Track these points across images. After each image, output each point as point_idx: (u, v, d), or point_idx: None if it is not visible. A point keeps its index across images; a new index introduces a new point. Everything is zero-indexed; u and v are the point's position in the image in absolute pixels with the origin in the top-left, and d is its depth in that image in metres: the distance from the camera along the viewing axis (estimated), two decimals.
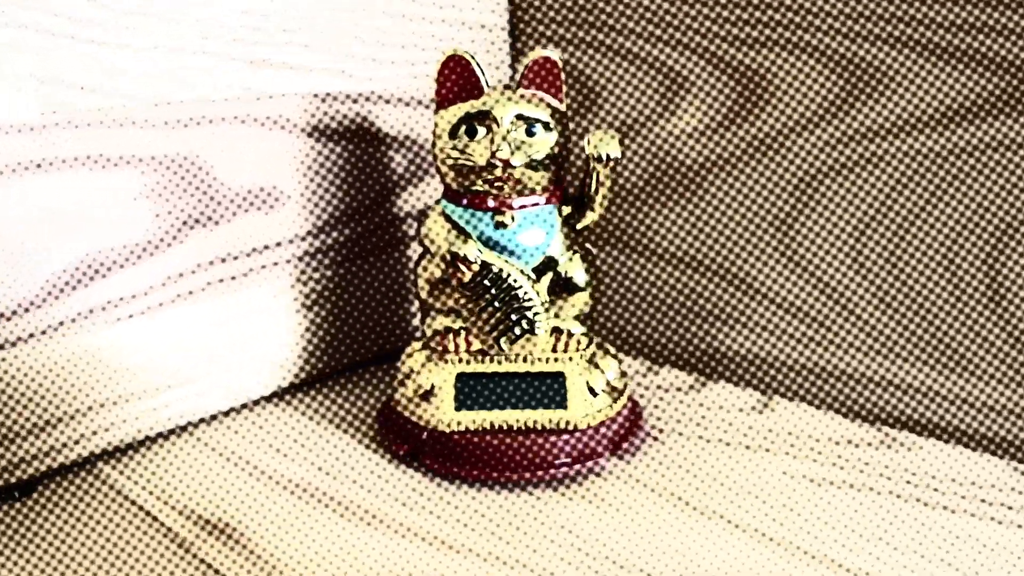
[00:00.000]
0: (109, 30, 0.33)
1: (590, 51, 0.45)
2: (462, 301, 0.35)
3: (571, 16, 0.45)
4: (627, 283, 0.46)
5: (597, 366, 0.36)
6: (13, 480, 0.34)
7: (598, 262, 0.37)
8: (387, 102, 0.43)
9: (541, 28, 0.46)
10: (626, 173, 0.45)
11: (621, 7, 0.43)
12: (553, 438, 0.34)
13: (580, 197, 0.35)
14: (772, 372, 0.42)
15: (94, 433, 0.36)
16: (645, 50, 0.43)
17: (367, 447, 0.37)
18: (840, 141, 0.38)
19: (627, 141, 0.44)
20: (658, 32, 0.42)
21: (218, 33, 0.36)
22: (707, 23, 0.41)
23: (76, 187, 0.34)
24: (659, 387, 0.43)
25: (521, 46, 0.47)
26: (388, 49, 0.42)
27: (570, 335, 0.35)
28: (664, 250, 0.44)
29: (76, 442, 0.35)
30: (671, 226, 0.44)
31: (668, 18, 0.42)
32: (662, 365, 0.45)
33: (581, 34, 0.45)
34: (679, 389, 0.42)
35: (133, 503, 0.33)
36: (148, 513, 0.32)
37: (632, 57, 0.43)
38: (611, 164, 0.33)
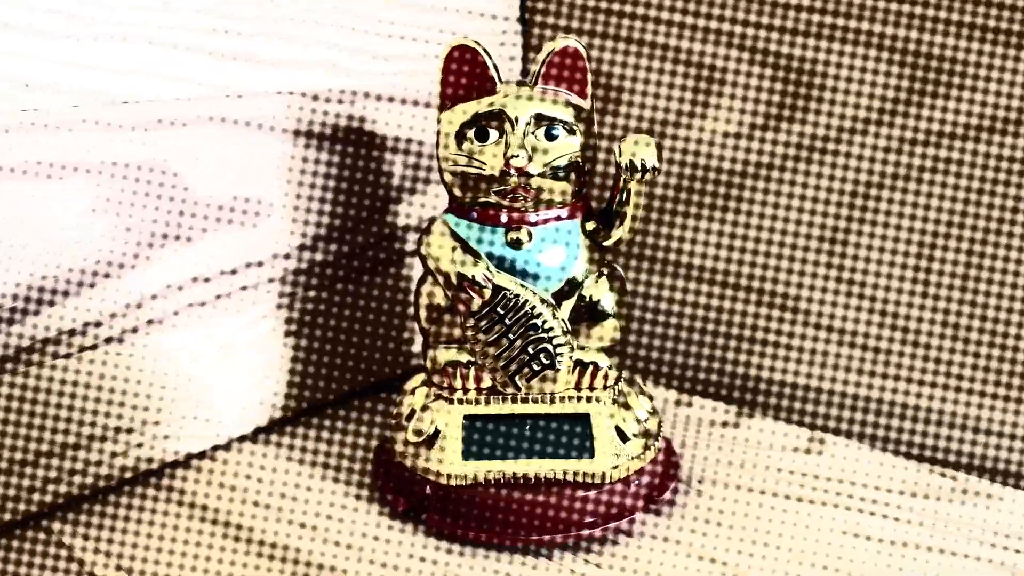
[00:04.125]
0: (56, 18, 0.30)
1: (612, 43, 0.42)
2: (470, 331, 0.31)
3: (591, 3, 0.42)
4: (655, 304, 0.43)
5: (628, 406, 0.32)
6: None
7: (627, 284, 0.33)
8: (384, 101, 0.40)
9: (557, 18, 0.43)
10: (656, 180, 0.41)
11: None
12: (578, 492, 0.30)
13: (608, 210, 0.32)
14: (822, 406, 0.39)
15: (42, 485, 0.32)
16: (675, 42, 0.40)
17: (359, 500, 0.33)
18: (903, 144, 0.35)
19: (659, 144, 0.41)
20: (690, 21, 0.39)
21: (188, 21, 0.33)
22: (746, 10, 0.38)
23: (19, 200, 0.30)
24: (693, 422, 0.39)
25: (534, 38, 0.44)
26: (384, 41, 0.39)
27: (596, 370, 0.32)
28: (698, 267, 0.41)
29: (21, 496, 0.32)
30: (707, 240, 0.41)
31: (701, 5, 0.39)
32: (696, 397, 0.42)
33: (602, 24, 0.42)
34: (716, 424, 0.39)
35: (83, 567, 0.29)
36: None
37: (660, 49, 0.40)
38: (647, 176, 0.30)
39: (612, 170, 0.32)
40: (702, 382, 0.42)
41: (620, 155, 0.29)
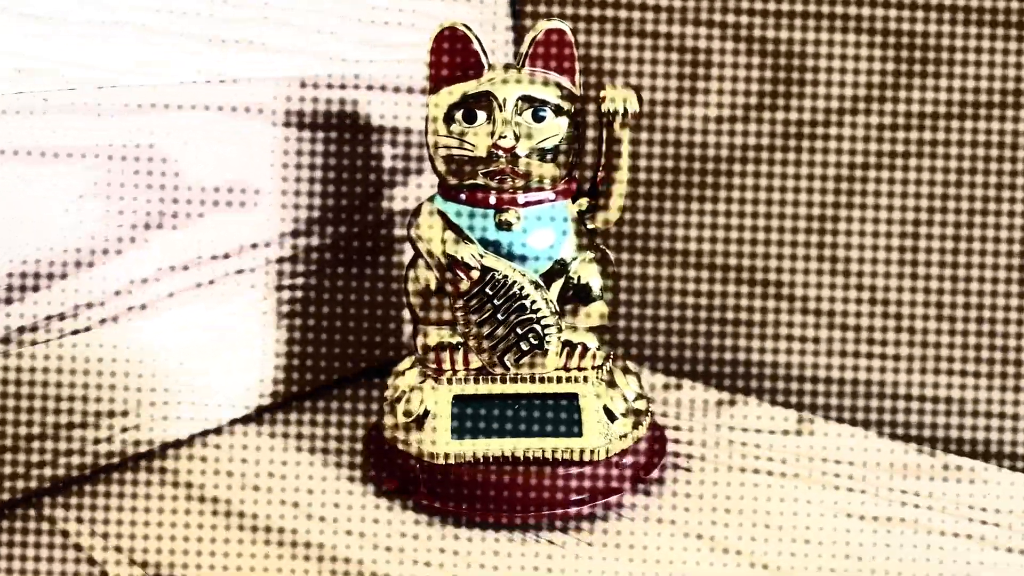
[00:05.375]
0: (49, 2, 0.30)
1: (602, 29, 0.42)
2: (460, 312, 0.31)
3: None
4: (645, 288, 0.43)
5: (616, 386, 0.33)
6: None
7: (615, 266, 0.33)
8: (375, 88, 0.40)
9: (547, 4, 0.43)
10: (644, 166, 0.42)
11: None
12: (566, 471, 0.31)
13: (595, 188, 0.32)
14: (810, 389, 0.39)
15: (36, 467, 0.32)
16: (664, 27, 0.40)
17: (351, 480, 0.33)
18: (889, 127, 0.35)
19: (645, 130, 0.41)
20: (678, 6, 0.39)
21: (180, 5, 0.33)
22: None
23: (11, 185, 0.30)
24: (682, 406, 0.39)
25: (524, 24, 0.44)
26: (376, 28, 0.39)
27: (585, 350, 0.32)
28: (687, 252, 0.42)
29: (15, 477, 0.32)
30: (695, 225, 0.41)
31: None
32: (685, 380, 0.42)
33: (591, 9, 0.42)
34: (705, 406, 0.39)
35: (78, 548, 0.29)
36: (94, 561, 0.29)
37: (649, 35, 0.40)
38: (629, 119, 0.30)
39: (598, 120, 0.32)
40: (692, 365, 0.43)
41: (603, 102, 0.30)
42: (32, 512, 0.31)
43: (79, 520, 0.31)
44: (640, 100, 0.30)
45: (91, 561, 0.29)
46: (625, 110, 0.30)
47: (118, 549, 0.29)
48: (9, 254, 0.30)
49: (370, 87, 0.40)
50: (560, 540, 0.30)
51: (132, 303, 0.34)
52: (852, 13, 0.35)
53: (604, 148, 0.31)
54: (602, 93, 0.30)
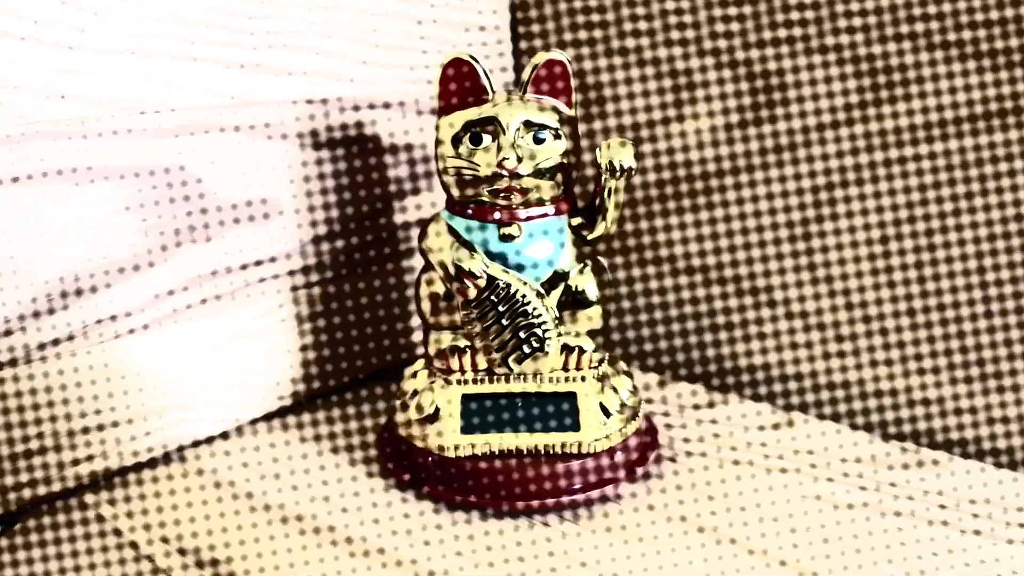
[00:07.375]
0: (83, 32, 0.32)
1: (596, 53, 0.43)
2: (467, 318, 0.33)
3: (576, 17, 0.44)
4: (638, 294, 0.45)
5: (611, 385, 0.35)
6: None
7: (609, 274, 0.35)
8: (386, 108, 0.42)
9: (545, 32, 0.45)
10: (636, 180, 0.44)
11: (628, 6, 0.42)
12: (565, 463, 0.33)
13: (591, 208, 0.34)
14: (791, 387, 0.41)
15: (80, 461, 0.34)
16: (654, 51, 0.42)
17: (366, 473, 0.35)
18: (862, 146, 0.37)
19: (636, 147, 0.43)
20: (667, 32, 0.41)
21: (204, 35, 0.35)
22: (719, 22, 0.39)
23: (54, 203, 0.32)
24: (672, 403, 0.41)
25: (525, 49, 0.46)
26: (386, 52, 0.41)
27: (582, 352, 0.34)
28: (676, 260, 0.43)
29: (60, 471, 0.34)
30: (683, 235, 0.43)
31: (677, 17, 0.41)
32: (675, 380, 0.44)
33: (587, 35, 0.44)
34: (694, 406, 0.41)
35: (119, 535, 0.31)
36: (135, 546, 0.31)
37: (640, 59, 0.42)
38: (625, 175, 0.32)
39: (595, 170, 0.34)
40: (682, 365, 0.44)
41: (600, 157, 0.32)
42: (75, 504, 0.33)
43: (112, 504, 0.33)
44: (635, 156, 0.32)
45: (130, 544, 0.31)
46: (621, 167, 0.32)
47: (164, 540, 0.31)
48: (50, 266, 0.32)
49: (386, 105, 0.41)
50: (559, 526, 0.32)
51: (163, 311, 0.35)
52: (830, 43, 0.37)
53: (599, 192, 0.33)
54: (600, 148, 0.32)
